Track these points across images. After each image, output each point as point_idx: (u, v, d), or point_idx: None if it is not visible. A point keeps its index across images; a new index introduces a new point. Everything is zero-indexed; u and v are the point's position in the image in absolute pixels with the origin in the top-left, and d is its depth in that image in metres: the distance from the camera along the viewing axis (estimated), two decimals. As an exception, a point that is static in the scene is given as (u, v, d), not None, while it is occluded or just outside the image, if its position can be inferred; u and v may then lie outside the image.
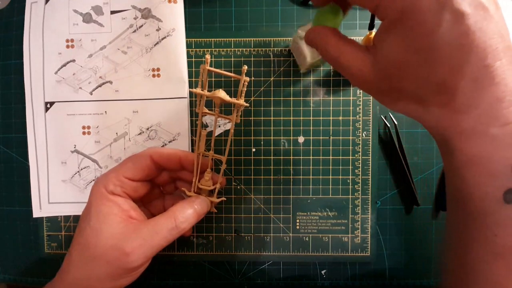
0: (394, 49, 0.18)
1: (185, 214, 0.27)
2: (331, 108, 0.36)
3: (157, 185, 0.32)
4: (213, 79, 0.36)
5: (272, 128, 0.36)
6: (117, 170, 0.28)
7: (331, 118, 0.36)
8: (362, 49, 0.20)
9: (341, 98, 0.36)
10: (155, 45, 0.36)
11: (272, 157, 0.36)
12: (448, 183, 0.20)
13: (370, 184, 0.36)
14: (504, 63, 0.17)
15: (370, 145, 0.36)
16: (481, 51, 0.16)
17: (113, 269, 0.25)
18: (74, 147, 0.36)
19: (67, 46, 0.36)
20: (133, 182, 0.28)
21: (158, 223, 0.26)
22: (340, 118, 0.36)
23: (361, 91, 0.36)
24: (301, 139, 0.36)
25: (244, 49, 0.36)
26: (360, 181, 0.36)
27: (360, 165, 0.36)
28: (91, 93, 0.36)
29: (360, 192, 0.36)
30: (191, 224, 0.28)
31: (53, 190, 0.37)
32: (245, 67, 0.26)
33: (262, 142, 0.36)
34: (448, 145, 0.19)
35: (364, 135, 0.36)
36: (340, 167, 0.36)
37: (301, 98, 0.36)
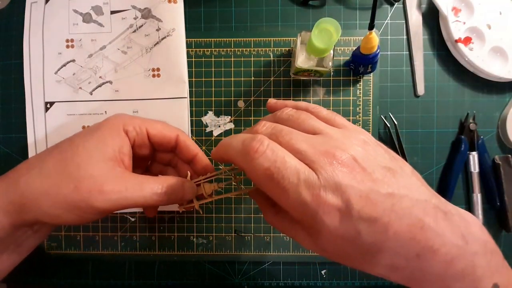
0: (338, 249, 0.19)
1: (174, 187, 0.26)
2: (331, 108, 0.36)
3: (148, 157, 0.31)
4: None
5: (272, 128, 0.36)
6: (144, 120, 0.28)
7: (331, 118, 0.36)
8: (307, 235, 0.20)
9: (341, 98, 0.36)
10: (155, 45, 0.36)
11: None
12: None
13: (370, 184, 0.36)
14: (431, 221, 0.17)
15: (370, 145, 0.36)
16: (403, 234, 0.17)
17: (76, 198, 0.23)
18: (74, 147, 0.36)
19: (67, 46, 0.36)
20: (146, 141, 0.28)
21: (146, 181, 0.25)
22: (340, 118, 0.36)
23: (361, 91, 0.36)
24: (301, 139, 0.36)
25: (244, 49, 0.36)
26: (360, 181, 0.36)
27: (360, 165, 0.36)
28: (91, 93, 0.36)
29: (360, 192, 0.36)
30: (169, 202, 0.26)
31: (53, 190, 0.37)
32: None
33: (262, 142, 0.36)
34: None
35: (364, 135, 0.36)
36: (340, 167, 0.36)
37: (301, 98, 0.36)
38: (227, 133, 0.36)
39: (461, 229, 0.17)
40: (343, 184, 0.17)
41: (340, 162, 0.18)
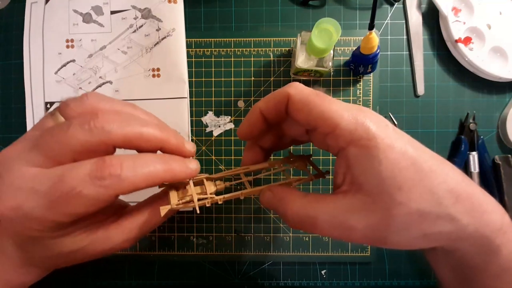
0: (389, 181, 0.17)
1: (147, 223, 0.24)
2: (331, 108, 0.36)
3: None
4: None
5: (272, 128, 0.36)
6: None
7: (331, 118, 0.36)
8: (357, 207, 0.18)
9: (341, 98, 0.36)
10: (155, 45, 0.36)
11: (272, 157, 0.36)
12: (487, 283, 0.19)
13: (370, 184, 0.36)
14: None
15: (370, 145, 0.36)
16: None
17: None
18: (74, 147, 0.36)
19: (67, 46, 0.36)
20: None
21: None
22: (340, 118, 0.36)
23: (361, 91, 0.36)
24: (301, 139, 0.36)
25: (244, 49, 0.36)
26: (360, 181, 0.36)
27: (360, 165, 0.36)
28: (91, 93, 0.36)
29: (360, 192, 0.36)
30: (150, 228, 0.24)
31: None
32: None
33: (262, 142, 0.36)
34: (490, 244, 0.18)
35: (364, 135, 0.36)
36: (340, 167, 0.36)
37: (301, 98, 0.36)
38: (227, 133, 0.36)
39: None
40: None
41: None
